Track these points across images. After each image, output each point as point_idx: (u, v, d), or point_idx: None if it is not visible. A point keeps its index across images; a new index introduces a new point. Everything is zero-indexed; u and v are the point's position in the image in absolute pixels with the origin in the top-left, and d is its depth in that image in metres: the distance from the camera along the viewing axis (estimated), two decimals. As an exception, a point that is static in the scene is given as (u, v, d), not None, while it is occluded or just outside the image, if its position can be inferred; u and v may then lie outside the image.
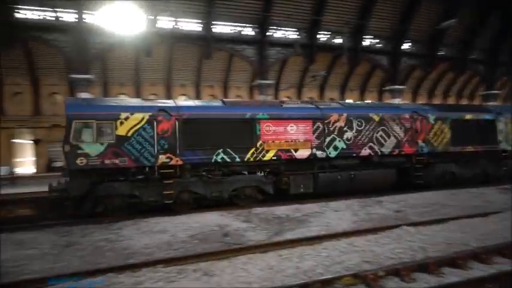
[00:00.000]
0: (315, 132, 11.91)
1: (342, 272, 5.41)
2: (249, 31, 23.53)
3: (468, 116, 14.56)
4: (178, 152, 10.33)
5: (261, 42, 23.33)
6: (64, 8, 19.45)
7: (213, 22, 22.18)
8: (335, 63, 31.69)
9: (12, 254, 7.13)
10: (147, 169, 10.13)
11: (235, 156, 10.92)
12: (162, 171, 10.22)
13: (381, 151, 12.84)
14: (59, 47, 19.72)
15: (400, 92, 27.80)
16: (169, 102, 11.23)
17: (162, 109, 10.41)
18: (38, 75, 27.70)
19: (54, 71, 27.24)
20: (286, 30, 24.55)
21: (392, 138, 13.03)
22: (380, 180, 12.93)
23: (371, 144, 12.71)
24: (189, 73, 31.39)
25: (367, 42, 26.84)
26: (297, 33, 24.66)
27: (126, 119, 9.94)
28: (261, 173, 11.68)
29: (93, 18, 19.60)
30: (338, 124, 12.24)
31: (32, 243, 7.80)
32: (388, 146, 12.96)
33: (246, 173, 11.55)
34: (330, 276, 5.21)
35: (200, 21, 22.21)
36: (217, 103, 12.02)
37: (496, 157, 14.83)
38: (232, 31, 23.42)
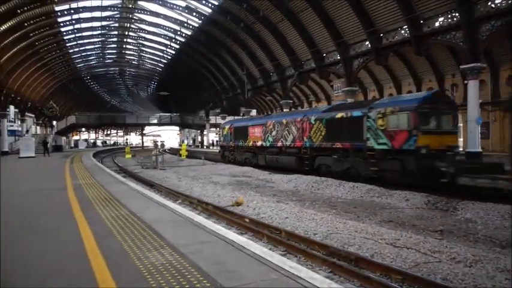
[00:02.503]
0: (263, 132, 21.47)
1: None
2: None
3: (339, 115, 15.43)
4: (233, 140, 25.70)
5: None
6: None
7: None
8: None
9: None
10: (229, 146, 26.41)
11: (243, 143, 23.96)
12: (231, 147, 26.24)
13: (286, 144, 19.08)
14: None
15: None
16: (233, 120, 29.52)
17: (231, 124, 26.73)
18: None
19: None
20: None
21: (291, 136, 18.65)
22: (288, 163, 18.87)
23: (282, 139, 19.46)
24: None
25: None
26: None
27: (224, 128, 27.11)
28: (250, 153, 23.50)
29: None
30: (270, 127, 20.83)
31: None
32: (289, 141, 18.83)
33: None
34: None
35: None
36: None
37: (363, 155, 14.06)
38: None
